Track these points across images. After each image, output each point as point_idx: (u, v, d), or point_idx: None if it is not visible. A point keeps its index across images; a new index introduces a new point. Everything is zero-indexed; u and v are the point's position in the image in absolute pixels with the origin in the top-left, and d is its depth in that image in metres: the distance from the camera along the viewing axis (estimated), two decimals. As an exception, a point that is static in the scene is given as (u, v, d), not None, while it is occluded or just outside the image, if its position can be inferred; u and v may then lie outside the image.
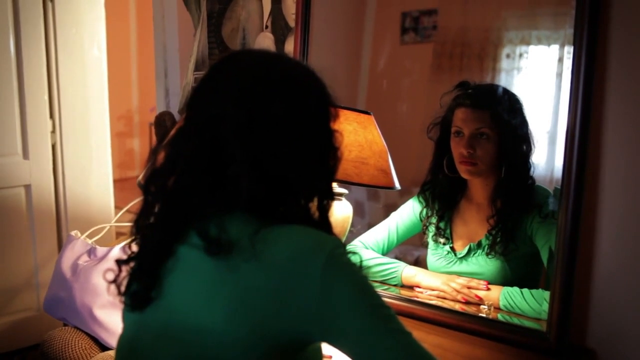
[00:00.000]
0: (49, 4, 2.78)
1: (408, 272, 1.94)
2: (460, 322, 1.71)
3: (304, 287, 0.93)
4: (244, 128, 1.00)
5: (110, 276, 1.10)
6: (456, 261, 1.89)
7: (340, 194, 2.03)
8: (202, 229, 1.00)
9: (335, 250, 0.96)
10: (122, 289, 1.10)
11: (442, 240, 1.93)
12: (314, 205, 1.09)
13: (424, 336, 1.68)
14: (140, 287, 1.05)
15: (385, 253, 2.05)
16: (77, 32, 2.85)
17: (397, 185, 2.05)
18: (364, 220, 2.50)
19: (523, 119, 1.76)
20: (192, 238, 1.02)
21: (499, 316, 1.73)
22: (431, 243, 1.98)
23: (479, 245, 1.84)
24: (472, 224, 1.89)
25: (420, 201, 2.01)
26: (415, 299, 1.85)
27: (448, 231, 1.93)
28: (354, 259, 0.99)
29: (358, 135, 1.96)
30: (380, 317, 0.93)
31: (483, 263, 1.83)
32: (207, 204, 1.02)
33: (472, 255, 1.86)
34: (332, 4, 2.18)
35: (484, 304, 1.77)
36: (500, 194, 1.79)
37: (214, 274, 0.99)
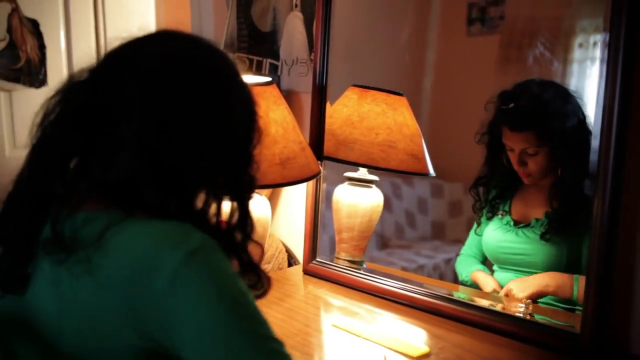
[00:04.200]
0: (99, -4, 2.79)
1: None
2: (485, 319, 1.55)
3: (147, 304, 0.79)
4: (142, 93, 0.87)
5: None
6: (512, 231, 1.73)
7: (371, 181, 1.91)
8: (55, 218, 0.86)
9: (195, 251, 0.80)
10: None
11: (500, 213, 1.78)
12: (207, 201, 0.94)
13: (445, 334, 1.54)
14: (10, 260, 0.90)
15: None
16: (127, 24, 2.85)
17: (432, 171, 1.92)
18: (427, 217, 2.41)
19: (576, 113, 1.60)
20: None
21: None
22: (486, 222, 1.82)
23: (538, 221, 1.68)
24: (532, 203, 1.74)
25: (472, 196, 1.85)
26: (438, 294, 1.69)
27: (507, 205, 1.78)
28: (223, 262, 0.83)
29: (387, 118, 1.84)
30: (246, 336, 0.79)
31: (537, 244, 1.66)
32: (72, 162, 0.90)
33: (529, 228, 1.69)
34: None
35: (522, 303, 1.59)
36: (560, 186, 1.65)
37: (58, 288, 0.85)
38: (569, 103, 1.61)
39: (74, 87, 0.91)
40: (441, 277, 2.12)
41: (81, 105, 0.89)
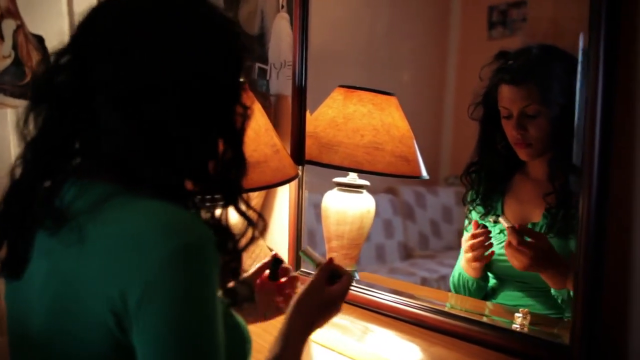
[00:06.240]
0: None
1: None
2: (469, 331, 1.44)
3: (129, 277, 0.74)
4: (118, 54, 0.81)
5: None
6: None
7: (361, 187, 1.81)
8: (50, 192, 0.84)
9: (191, 244, 0.75)
10: None
11: (492, 218, 1.66)
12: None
13: (427, 347, 1.43)
14: (11, 245, 0.88)
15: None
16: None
17: (424, 174, 1.82)
18: (452, 227, 2.37)
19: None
20: None
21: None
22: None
23: (536, 225, 1.56)
24: (528, 202, 1.63)
25: (464, 184, 1.74)
26: (421, 305, 1.57)
27: (499, 209, 1.65)
28: (212, 262, 0.78)
29: (373, 118, 1.74)
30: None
31: None
32: (70, 143, 0.87)
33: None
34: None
35: (518, 312, 1.47)
36: (560, 169, 1.51)
37: (49, 257, 0.83)
38: (573, 62, 1.46)
39: (46, 76, 0.88)
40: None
41: (57, 89, 0.85)
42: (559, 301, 1.46)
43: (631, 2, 1.21)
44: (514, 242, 1.46)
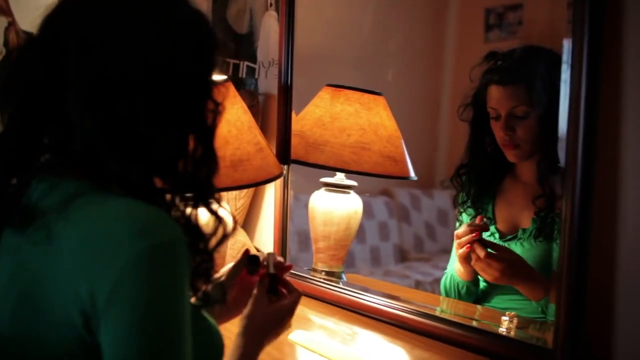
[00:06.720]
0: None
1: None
2: (452, 334, 1.41)
3: (98, 277, 0.72)
4: (90, 47, 0.79)
5: None
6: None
7: (348, 187, 1.79)
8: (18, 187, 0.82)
9: (161, 244, 0.73)
10: None
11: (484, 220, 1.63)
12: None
13: (410, 349, 1.41)
14: None
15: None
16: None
17: (412, 175, 1.80)
18: (448, 229, 2.30)
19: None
20: None
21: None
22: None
23: (525, 231, 1.55)
24: (518, 206, 1.61)
25: (454, 186, 1.72)
26: (405, 307, 1.55)
27: (490, 212, 1.64)
28: (183, 263, 0.76)
29: (360, 118, 1.73)
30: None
31: (528, 247, 1.53)
32: (39, 139, 0.84)
33: (517, 240, 1.56)
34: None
35: (505, 316, 1.44)
36: (548, 171, 1.49)
37: (15, 255, 0.80)
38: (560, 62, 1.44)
39: (14, 69, 0.86)
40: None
41: (25, 84, 0.83)
42: (539, 310, 1.44)
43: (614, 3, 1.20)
44: (481, 255, 1.45)
